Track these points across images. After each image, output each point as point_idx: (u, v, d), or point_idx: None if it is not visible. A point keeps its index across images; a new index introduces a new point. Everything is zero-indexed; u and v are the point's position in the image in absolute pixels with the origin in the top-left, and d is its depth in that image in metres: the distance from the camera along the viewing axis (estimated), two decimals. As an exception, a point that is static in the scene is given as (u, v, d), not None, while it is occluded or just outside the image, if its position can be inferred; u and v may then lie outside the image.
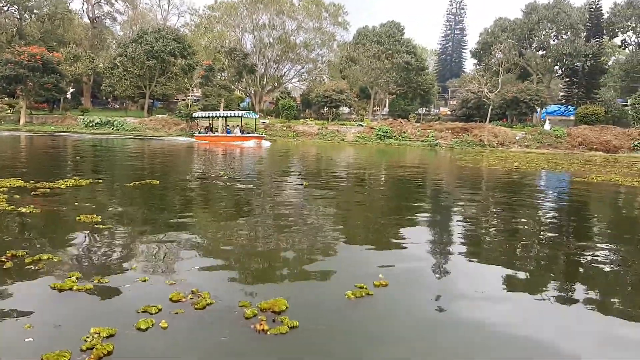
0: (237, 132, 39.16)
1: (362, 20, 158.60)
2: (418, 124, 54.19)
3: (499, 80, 54.50)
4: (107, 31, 74.86)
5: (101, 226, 7.19)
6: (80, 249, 6.11)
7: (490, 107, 54.66)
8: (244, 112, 46.12)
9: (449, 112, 69.03)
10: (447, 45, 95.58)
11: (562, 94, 54.32)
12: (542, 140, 48.71)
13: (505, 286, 5.41)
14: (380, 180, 17.07)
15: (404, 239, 7.51)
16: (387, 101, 66.88)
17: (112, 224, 7.42)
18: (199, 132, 43.57)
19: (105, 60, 62.37)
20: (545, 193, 14.97)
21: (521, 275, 5.77)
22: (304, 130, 53.99)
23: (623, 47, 56.10)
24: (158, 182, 12.49)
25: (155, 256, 5.89)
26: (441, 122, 54.65)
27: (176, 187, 12.35)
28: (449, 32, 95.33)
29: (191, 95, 62.36)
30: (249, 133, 41.33)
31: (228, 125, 42.50)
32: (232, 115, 42.87)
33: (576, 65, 51.73)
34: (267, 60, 66.20)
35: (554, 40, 54.03)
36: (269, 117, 62.10)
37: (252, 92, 67.76)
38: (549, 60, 54.97)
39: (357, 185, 15.30)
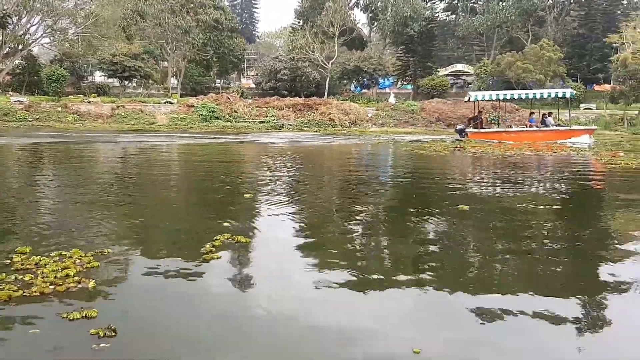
0: (550, 123, 25.83)
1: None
2: (249, 101, 41.35)
3: (336, 48, 45.24)
4: None
5: None
6: None
7: (328, 79, 45.13)
8: (564, 90, 28.14)
9: (253, 85, 57.54)
10: (235, 2, 78.97)
11: (399, 63, 47.72)
12: (398, 117, 42.15)
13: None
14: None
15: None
16: (183, 71, 51.19)
17: None
18: (468, 127, 26.17)
19: None
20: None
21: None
22: (90, 111, 35.72)
23: (450, 12, 52.40)
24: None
25: None
26: (278, 97, 42.69)
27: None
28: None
29: None
30: (558, 125, 26.45)
31: (533, 113, 28.14)
32: (537, 95, 27.32)
33: (413, 31, 45.55)
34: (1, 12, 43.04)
35: (381, 2, 46.85)
36: (11, 92, 40.90)
37: (-19, 57, 43.92)
38: (387, 24, 47.60)
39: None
